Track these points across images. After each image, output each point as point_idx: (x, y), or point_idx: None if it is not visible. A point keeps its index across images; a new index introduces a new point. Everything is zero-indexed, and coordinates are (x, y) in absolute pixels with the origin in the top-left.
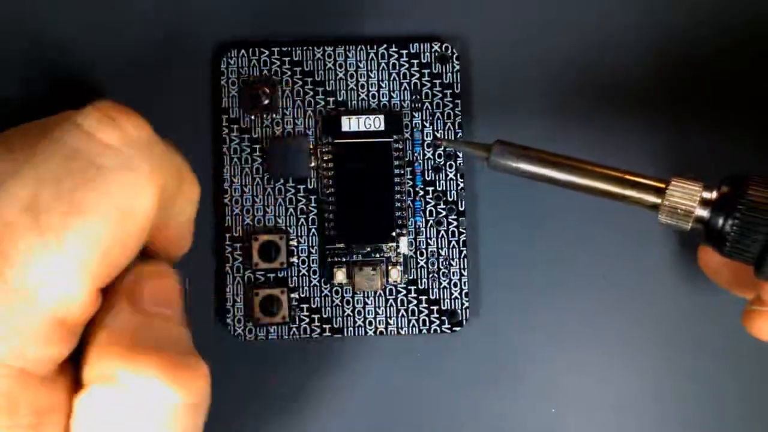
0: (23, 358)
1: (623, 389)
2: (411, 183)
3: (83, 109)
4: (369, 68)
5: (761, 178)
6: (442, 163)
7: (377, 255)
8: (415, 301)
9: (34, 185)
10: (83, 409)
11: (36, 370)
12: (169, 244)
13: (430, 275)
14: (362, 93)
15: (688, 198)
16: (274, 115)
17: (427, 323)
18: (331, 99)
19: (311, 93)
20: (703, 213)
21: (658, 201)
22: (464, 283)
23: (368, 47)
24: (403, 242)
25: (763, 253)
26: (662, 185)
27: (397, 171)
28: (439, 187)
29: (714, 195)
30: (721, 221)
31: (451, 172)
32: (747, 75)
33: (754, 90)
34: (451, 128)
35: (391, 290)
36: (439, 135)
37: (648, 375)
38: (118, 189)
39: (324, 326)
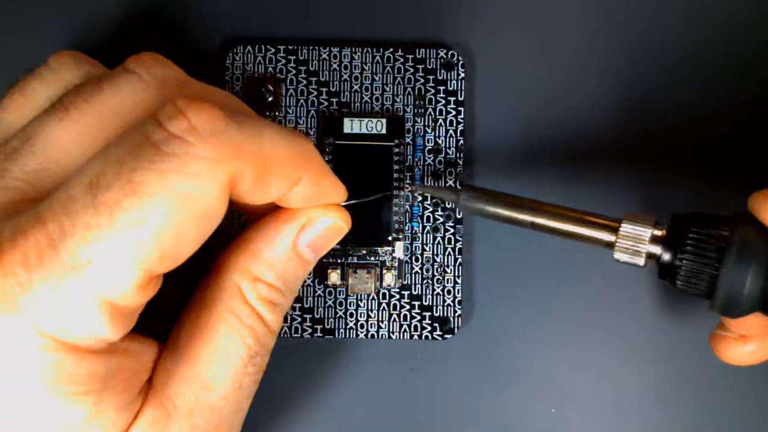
0: (70, 334)
1: (623, 389)
2: (410, 188)
3: (164, 103)
4: (374, 71)
5: (706, 216)
6: (441, 169)
7: (372, 258)
8: (407, 306)
9: (101, 164)
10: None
11: (86, 346)
12: (316, 201)
13: (424, 281)
14: (366, 95)
15: (639, 235)
16: (276, 113)
17: (419, 329)
18: (335, 100)
19: (315, 93)
20: (655, 250)
21: (613, 239)
22: (458, 290)
23: (374, 50)
24: (399, 247)
25: (711, 287)
26: (616, 224)
27: (396, 175)
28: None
29: (664, 232)
30: (672, 258)
31: (450, 179)
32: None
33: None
34: (453, 135)
35: (384, 294)
36: (416, 184)
37: (648, 375)
38: (177, 174)
39: (316, 327)
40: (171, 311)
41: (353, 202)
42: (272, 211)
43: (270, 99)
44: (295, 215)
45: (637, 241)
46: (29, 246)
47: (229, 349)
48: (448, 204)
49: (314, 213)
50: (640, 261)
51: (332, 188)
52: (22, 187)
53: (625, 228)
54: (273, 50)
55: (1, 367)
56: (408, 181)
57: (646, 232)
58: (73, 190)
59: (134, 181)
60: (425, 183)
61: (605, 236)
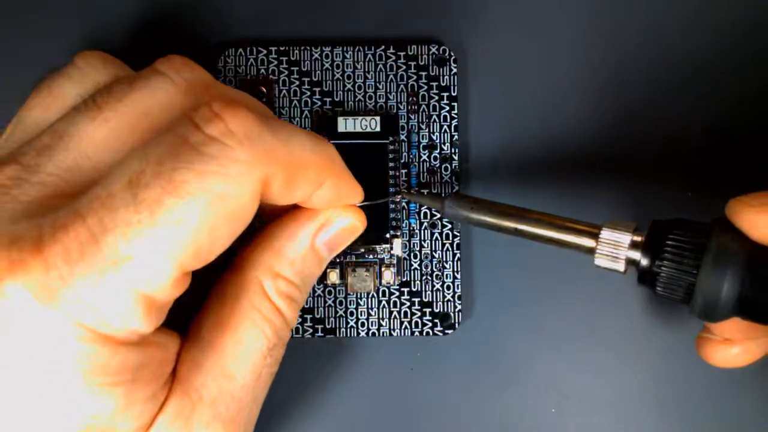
0: (108, 326)
1: (623, 389)
2: (406, 185)
3: (199, 106)
4: (366, 69)
5: (684, 222)
6: (437, 165)
7: (371, 256)
8: (407, 303)
9: (140, 163)
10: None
11: (121, 338)
12: (335, 202)
13: (424, 277)
14: (359, 94)
15: (619, 241)
16: None
17: (420, 325)
18: (328, 99)
19: (308, 93)
20: (634, 256)
21: (593, 245)
22: (457, 286)
23: (366, 48)
24: (397, 244)
25: (689, 293)
26: (596, 230)
27: (392, 172)
28: (434, 189)
29: (643, 238)
30: (651, 264)
31: (446, 175)
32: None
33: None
34: (447, 131)
35: (384, 292)
36: (403, 189)
37: (648, 375)
38: (214, 175)
39: (317, 326)
40: (189, 304)
41: (367, 203)
42: (290, 210)
43: (263, 100)
44: (314, 215)
45: (616, 247)
46: (70, 240)
47: (250, 342)
48: (434, 210)
49: (332, 213)
50: (620, 267)
51: (352, 191)
52: (56, 183)
53: (605, 234)
54: (264, 52)
55: (40, 357)
56: (394, 189)
57: (626, 238)
58: (113, 187)
59: (175, 181)
60: (421, 178)
61: (586, 242)
